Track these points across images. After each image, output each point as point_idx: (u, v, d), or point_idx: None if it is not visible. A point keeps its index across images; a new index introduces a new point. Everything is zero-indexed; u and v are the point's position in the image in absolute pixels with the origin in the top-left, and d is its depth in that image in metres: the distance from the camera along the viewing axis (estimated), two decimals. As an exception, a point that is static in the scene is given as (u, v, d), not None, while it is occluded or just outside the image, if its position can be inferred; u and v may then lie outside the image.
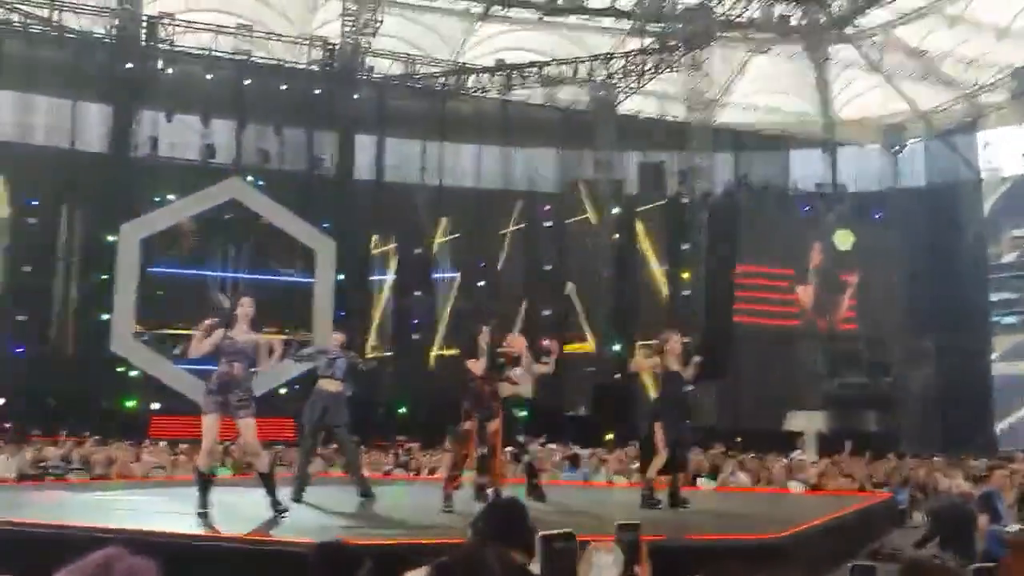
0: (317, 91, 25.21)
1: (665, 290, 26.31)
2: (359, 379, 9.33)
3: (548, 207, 27.16)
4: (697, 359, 9.00)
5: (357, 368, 9.24)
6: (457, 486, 8.00)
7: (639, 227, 26.85)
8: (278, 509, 7.20)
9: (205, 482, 7.11)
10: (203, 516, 6.84)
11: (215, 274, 24.05)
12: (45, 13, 23.06)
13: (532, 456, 9.35)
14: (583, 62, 26.30)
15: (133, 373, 22.57)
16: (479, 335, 8.39)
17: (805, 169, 29.01)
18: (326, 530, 6.51)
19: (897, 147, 29.23)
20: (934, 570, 2.40)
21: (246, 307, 7.36)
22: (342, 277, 24.47)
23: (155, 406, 22.11)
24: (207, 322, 7.44)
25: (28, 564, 2.57)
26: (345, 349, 9.22)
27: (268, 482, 7.35)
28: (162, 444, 16.53)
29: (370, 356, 22.88)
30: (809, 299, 26.94)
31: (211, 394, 7.17)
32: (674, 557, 4.49)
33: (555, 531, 2.10)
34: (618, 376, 24.33)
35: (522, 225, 26.69)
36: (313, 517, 7.59)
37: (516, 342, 9.19)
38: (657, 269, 26.38)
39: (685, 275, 26.02)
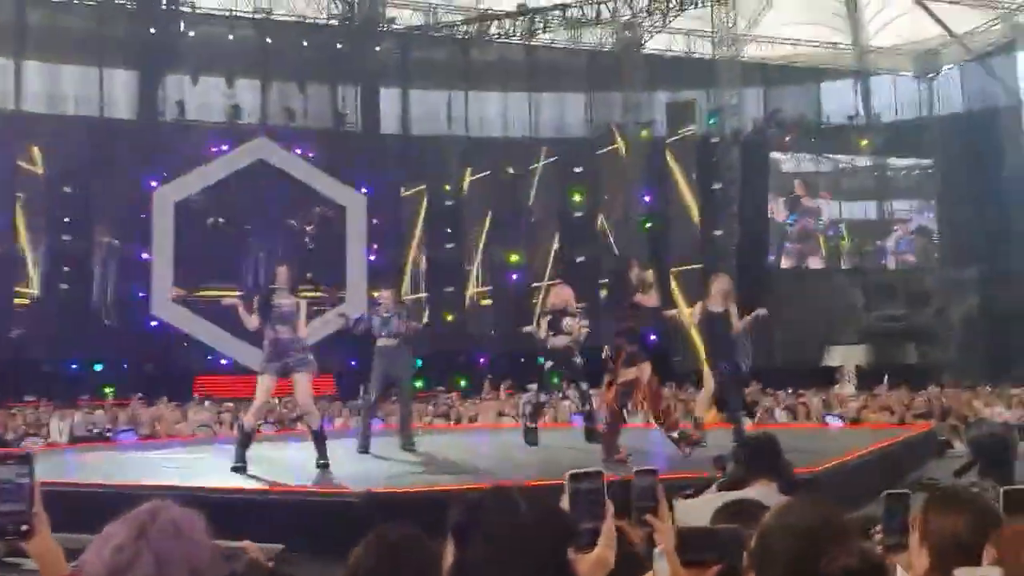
0: (339, 45, 25.05)
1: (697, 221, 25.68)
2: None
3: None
4: (763, 312, 9.17)
5: (411, 323, 9.31)
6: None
7: (671, 163, 26.29)
8: (320, 464, 7.38)
9: (246, 438, 7.30)
10: (240, 470, 7.04)
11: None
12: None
13: (535, 399, 9.73)
14: (607, 2, 25.81)
15: (174, 336, 22.93)
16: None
17: (837, 102, 28.39)
18: (379, 480, 6.65)
19: (932, 74, 28.48)
20: (960, 496, 2.40)
21: (282, 275, 7.54)
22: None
23: (197, 367, 22.51)
24: (238, 297, 7.75)
25: (81, 521, 2.66)
26: (399, 304, 9.31)
27: (318, 438, 7.52)
28: (207, 403, 16.86)
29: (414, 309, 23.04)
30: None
31: (269, 360, 7.40)
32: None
33: (582, 470, 2.12)
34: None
35: (553, 158, 26.31)
36: (374, 468, 7.79)
37: (563, 293, 9.26)
38: (691, 203, 25.78)
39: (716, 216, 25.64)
